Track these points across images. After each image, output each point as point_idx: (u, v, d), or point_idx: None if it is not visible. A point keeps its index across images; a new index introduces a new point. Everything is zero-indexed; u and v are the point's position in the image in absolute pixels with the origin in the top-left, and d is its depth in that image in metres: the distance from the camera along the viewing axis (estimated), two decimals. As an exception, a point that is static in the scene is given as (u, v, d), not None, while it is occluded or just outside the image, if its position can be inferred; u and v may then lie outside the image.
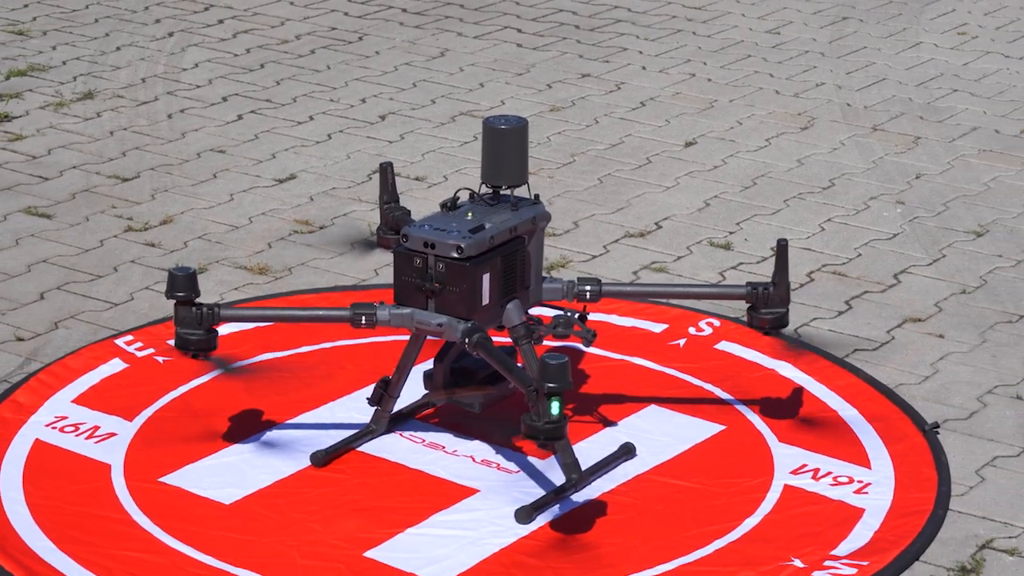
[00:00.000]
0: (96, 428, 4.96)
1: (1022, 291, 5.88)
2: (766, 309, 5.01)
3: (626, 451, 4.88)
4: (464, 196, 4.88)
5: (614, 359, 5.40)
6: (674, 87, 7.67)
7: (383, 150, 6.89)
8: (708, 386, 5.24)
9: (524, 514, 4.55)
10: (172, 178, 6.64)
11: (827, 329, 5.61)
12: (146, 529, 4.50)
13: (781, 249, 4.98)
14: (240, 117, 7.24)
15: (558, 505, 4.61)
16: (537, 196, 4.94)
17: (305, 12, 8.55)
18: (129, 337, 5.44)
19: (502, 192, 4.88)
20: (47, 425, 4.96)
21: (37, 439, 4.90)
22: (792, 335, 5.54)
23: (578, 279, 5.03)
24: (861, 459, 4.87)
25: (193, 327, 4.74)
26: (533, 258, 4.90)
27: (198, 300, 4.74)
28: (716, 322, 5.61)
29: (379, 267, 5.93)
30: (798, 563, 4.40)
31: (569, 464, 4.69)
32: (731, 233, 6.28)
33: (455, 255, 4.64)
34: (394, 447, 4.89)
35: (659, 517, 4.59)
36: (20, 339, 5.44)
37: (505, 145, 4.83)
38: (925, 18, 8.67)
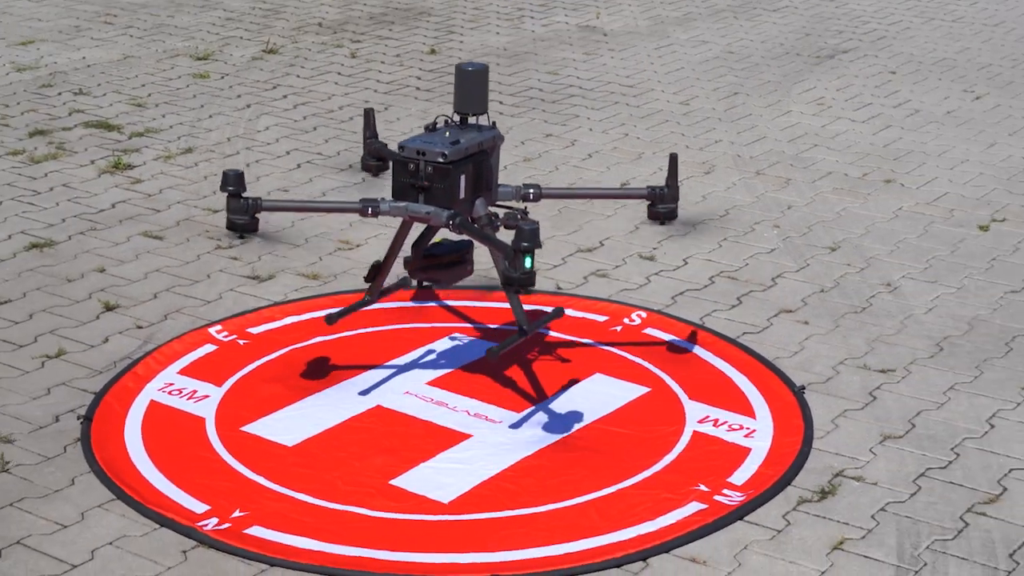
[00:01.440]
0: (195, 392, 4.95)
1: (864, 290, 5.89)
2: (662, 205, 5.06)
3: (557, 314, 4.86)
4: (441, 122, 4.87)
5: (569, 339, 5.39)
6: (612, 143, 7.66)
7: (402, 189, 6.86)
8: (637, 360, 5.24)
9: (493, 352, 4.56)
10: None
11: (723, 318, 5.60)
12: (231, 465, 4.49)
13: (672, 160, 5.01)
14: (299, 166, 7.22)
15: (532, 440, 4.62)
16: (495, 123, 4.93)
17: (346, 90, 8.53)
18: (219, 327, 5.42)
19: (469, 119, 4.85)
20: (159, 390, 4.95)
21: (152, 400, 4.89)
22: (699, 323, 5.53)
23: (524, 184, 5.06)
24: (749, 412, 4.87)
25: (240, 214, 4.69)
26: (493, 169, 4.88)
27: (244, 194, 4.70)
28: (644, 314, 5.60)
29: (400, 274, 5.91)
30: (703, 488, 4.40)
31: (521, 319, 4.70)
32: (654, 248, 6.28)
33: (440, 160, 4.62)
34: (410, 405, 4.88)
35: (602, 455, 4.59)
36: (139, 327, 5.42)
37: (472, 83, 4.80)
38: (794, 93, 8.67)
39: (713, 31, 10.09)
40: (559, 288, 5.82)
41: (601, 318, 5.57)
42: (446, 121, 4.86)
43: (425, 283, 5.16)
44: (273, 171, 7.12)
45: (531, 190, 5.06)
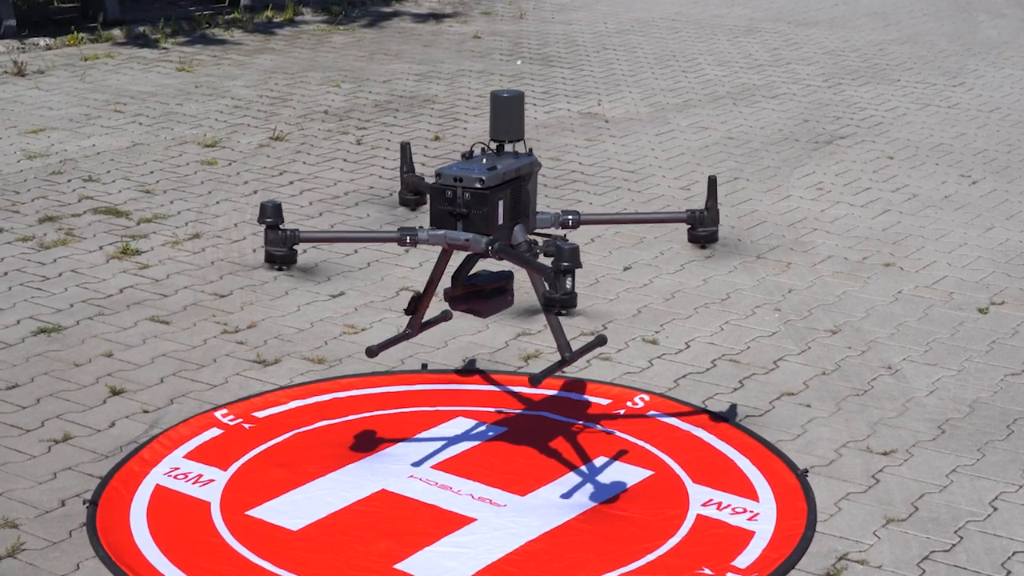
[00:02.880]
0: (200, 475, 4.92)
1: (865, 373, 5.87)
2: (702, 228, 4.94)
3: (600, 341, 4.78)
4: (478, 149, 4.76)
5: (572, 422, 5.37)
6: (615, 228, 7.65)
7: (407, 274, 6.88)
8: (641, 443, 5.21)
9: (536, 378, 4.46)
10: (255, 295, 6.63)
11: (726, 401, 5.59)
12: (235, 549, 4.45)
13: (711, 182, 4.90)
14: (305, 251, 7.23)
15: (536, 524, 4.58)
16: (531, 149, 4.83)
17: (351, 176, 8.58)
18: (224, 411, 5.41)
19: (506, 146, 4.76)
20: (165, 474, 4.93)
21: (157, 484, 4.86)
22: (700, 405, 5.52)
23: (562, 211, 4.96)
24: (752, 495, 4.84)
25: (279, 246, 4.59)
26: (531, 195, 4.77)
27: (282, 226, 4.60)
28: (647, 397, 5.59)
29: (404, 358, 5.91)
30: (707, 572, 4.36)
31: (563, 345, 4.61)
32: (656, 332, 6.27)
33: (478, 186, 4.53)
34: (415, 488, 4.85)
35: (607, 538, 4.55)
36: (145, 411, 5.41)
37: (508, 110, 4.69)
38: (794, 178, 8.71)
39: (713, 117, 10.15)
40: (563, 371, 5.81)
41: (604, 401, 5.55)
42: (483, 149, 4.76)
43: (467, 313, 4.97)
44: (279, 256, 7.13)
45: (570, 217, 4.95)
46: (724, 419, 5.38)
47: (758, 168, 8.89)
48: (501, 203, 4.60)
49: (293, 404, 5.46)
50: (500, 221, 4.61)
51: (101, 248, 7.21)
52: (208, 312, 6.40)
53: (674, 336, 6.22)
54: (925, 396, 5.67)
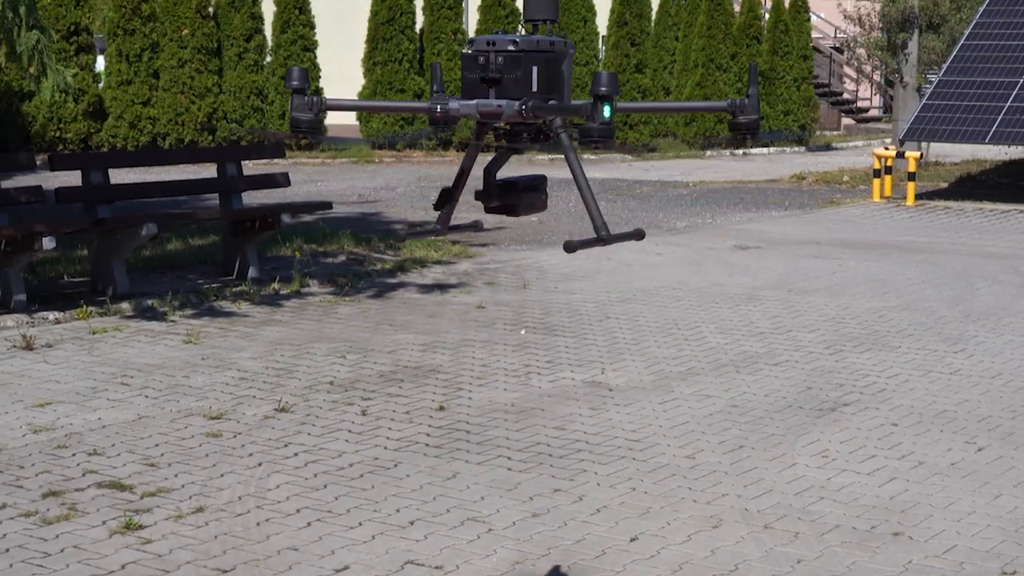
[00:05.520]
0: None
1: (878, 646, 5.80)
2: (743, 116, 4.83)
3: (639, 234, 4.59)
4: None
5: None
6: (620, 498, 7.67)
7: (412, 547, 6.85)
8: None
9: (572, 246, 4.27)
10: (259, 570, 6.59)
11: (737, 677, 5.50)
12: None
13: (752, 68, 4.80)
14: (309, 524, 7.22)
15: None
16: (565, 35, 4.70)
17: (356, 447, 8.61)
18: None
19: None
20: None
21: None
22: None
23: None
24: None
25: (304, 112, 4.49)
26: (566, 77, 4.59)
27: (308, 92, 4.44)
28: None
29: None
30: None
31: (600, 225, 4.41)
32: (665, 605, 6.21)
33: (511, 48, 4.41)
34: None
35: None
36: None
37: None
38: (799, 446, 8.74)
39: (716, 385, 10.24)
40: (570, 647, 5.74)
41: None
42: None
43: (500, 213, 4.73)
44: (283, 529, 7.12)
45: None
46: None
47: (763, 436, 8.92)
48: (535, 69, 4.47)
49: None
50: (534, 88, 4.46)
51: (104, 523, 7.19)
52: (210, 588, 6.36)
53: (682, 609, 6.16)
54: (940, 670, 5.58)
